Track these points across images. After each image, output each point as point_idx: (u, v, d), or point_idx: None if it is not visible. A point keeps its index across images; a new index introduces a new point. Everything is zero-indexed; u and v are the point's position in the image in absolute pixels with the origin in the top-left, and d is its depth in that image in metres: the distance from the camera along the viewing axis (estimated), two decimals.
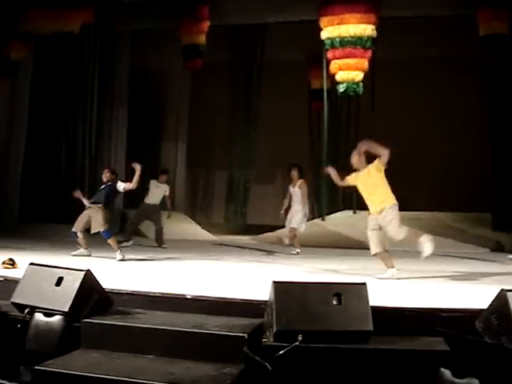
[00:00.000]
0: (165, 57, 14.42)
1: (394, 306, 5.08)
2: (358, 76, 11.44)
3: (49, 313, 4.86)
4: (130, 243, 10.67)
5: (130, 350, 4.59)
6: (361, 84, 11.51)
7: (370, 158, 7.30)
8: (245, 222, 15.04)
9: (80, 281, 4.94)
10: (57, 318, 4.81)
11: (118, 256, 8.64)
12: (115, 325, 4.76)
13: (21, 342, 4.88)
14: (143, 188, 11.24)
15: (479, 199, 12.53)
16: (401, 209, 12.59)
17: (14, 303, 5.22)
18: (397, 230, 7.05)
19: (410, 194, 13.93)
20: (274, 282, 4.62)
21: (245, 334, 4.45)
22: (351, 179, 7.43)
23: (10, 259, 6.71)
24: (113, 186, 9.22)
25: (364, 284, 4.65)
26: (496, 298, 4.45)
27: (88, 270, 5.04)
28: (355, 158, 7.28)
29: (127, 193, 13.58)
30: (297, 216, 10.27)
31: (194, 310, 5.19)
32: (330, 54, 11.53)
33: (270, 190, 15.64)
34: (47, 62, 13.21)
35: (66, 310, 4.82)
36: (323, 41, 11.52)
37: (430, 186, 13.81)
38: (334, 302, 4.53)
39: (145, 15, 12.75)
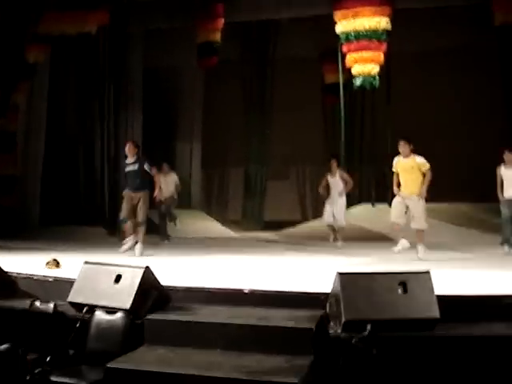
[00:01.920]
0: (177, 56, 14.40)
1: (454, 293, 5.08)
2: (374, 69, 11.44)
3: (110, 311, 4.86)
4: (167, 241, 11.03)
5: (195, 345, 4.58)
6: (377, 77, 11.51)
7: None
8: (262, 218, 15.04)
9: (140, 278, 4.94)
10: (119, 316, 4.80)
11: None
12: (180, 320, 4.76)
13: (81, 341, 4.88)
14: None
15: None
16: None
17: (71, 303, 5.21)
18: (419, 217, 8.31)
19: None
20: (339, 274, 4.63)
21: (312, 326, 4.46)
22: (395, 166, 8.62)
23: (54, 259, 6.70)
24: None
25: (428, 272, 4.66)
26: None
27: (147, 267, 5.04)
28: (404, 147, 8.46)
29: None
30: (342, 210, 10.03)
31: (251, 303, 5.19)
32: (345, 48, 11.52)
33: (285, 185, 15.67)
34: (64, 64, 13.21)
35: (128, 307, 4.81)
36: (338, 35, 11.52)
37: (451, 178, 13.79)
38: (400, 291, 4.54)
39: (158, 15, 12.74)
